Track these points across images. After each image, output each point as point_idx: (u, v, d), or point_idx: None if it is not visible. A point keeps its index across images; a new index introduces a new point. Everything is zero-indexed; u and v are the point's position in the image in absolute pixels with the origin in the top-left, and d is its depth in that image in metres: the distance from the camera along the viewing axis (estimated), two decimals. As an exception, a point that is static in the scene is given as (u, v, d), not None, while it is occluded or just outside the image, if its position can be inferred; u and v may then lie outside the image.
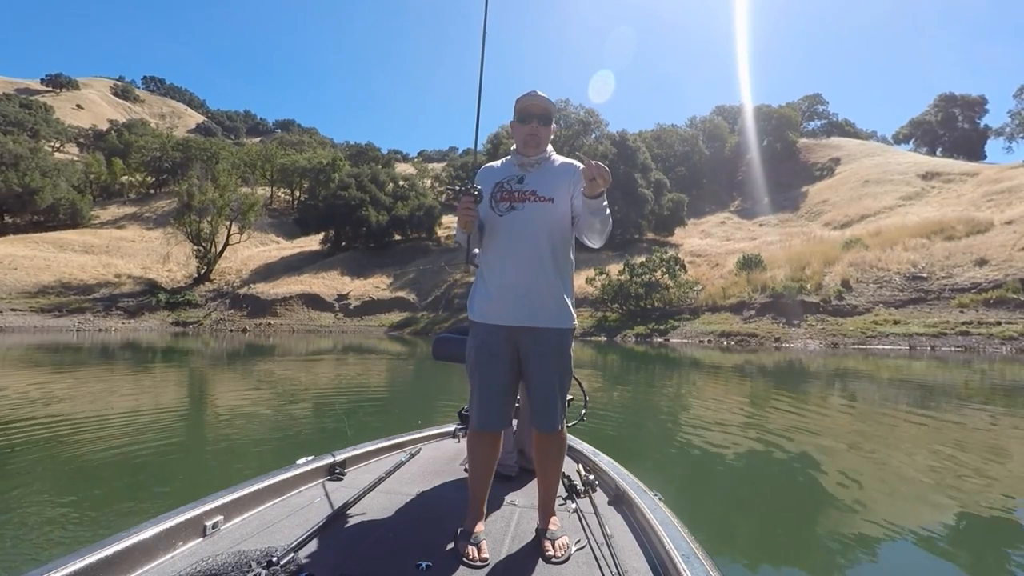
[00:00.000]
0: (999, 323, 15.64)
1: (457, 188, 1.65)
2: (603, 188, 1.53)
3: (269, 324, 30.20)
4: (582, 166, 1.70)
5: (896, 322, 17.23)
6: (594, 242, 1.73)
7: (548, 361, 1.67)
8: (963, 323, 16.11)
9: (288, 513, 1.78)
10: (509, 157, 1.82)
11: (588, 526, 1.73)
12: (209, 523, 1.58)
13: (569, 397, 2.93)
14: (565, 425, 1.75)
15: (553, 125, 1.80)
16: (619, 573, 1.39)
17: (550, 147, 1.81)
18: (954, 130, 57.70)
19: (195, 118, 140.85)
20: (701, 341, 19.09)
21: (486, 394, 1.70)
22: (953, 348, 14.99)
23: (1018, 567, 2.57)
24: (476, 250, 1.79)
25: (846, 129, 65.18)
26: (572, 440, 2.57)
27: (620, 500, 1.92)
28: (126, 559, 1.32)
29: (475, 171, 1.84)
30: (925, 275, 19.21)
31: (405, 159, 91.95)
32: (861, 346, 16.22)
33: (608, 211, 1.65)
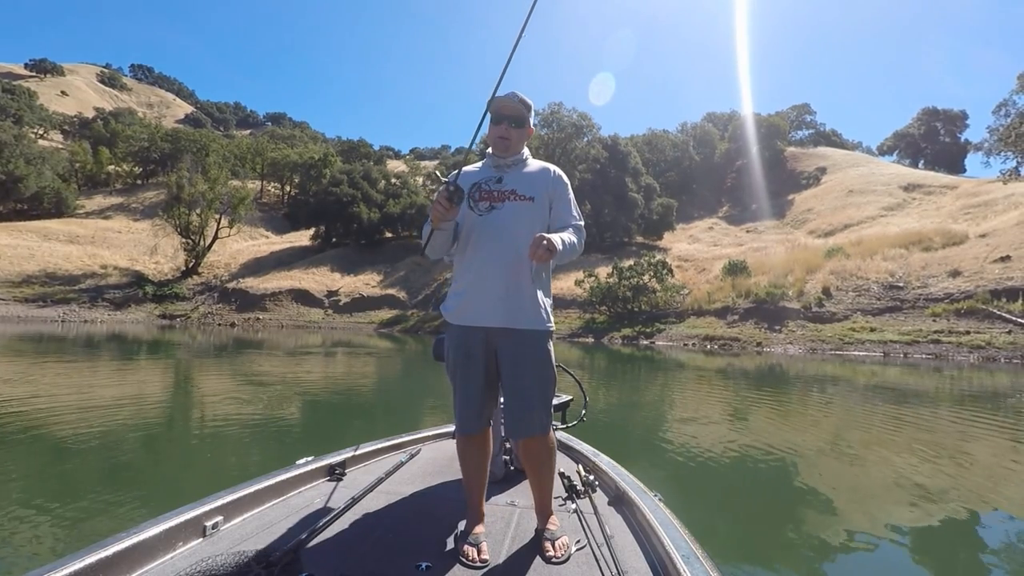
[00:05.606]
0: (968, 332, 16.23)
1: (444, 180, 1.58)
2: (556, 250, 1.49)
3: (258, 319, 30.12)
4: (558, 170, 1.78)
5: (872, 329, 17.78)
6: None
7: (525, 363, 1.62)
8: (935, 332, 16.67)
9: (288, 513, 1.77)
10: (486, 159, 1.81)
11: (588, 526, 1.72)
12: (209, 523, 1.57)
13: (568, 398, 3.09)
14: (552, 430, 1.70)
15: (531, 127, 1.78)
16: (619, 573, 1.39)
17: (526, 150, 1.80)
18: (936, 143, 59.29)
19: (184, 108, 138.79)
20: (686, 344, 19.50)
21: (465, 397, 1.67)
22: (924, 356, 15.51)
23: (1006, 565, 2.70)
24: (451, 255, 1.76)
25: (832, 139, 66.43)
26: (572, 440, 2.60)
27: (620, 500, 1.92)
28: (126, 559, 1.32)
29: (458, 172, 1.76)
30: (902, 284, 19.83)
31: (397, 156, 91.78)
32: (838, 352, 16.72)
33: (572, 247, 1.62)
